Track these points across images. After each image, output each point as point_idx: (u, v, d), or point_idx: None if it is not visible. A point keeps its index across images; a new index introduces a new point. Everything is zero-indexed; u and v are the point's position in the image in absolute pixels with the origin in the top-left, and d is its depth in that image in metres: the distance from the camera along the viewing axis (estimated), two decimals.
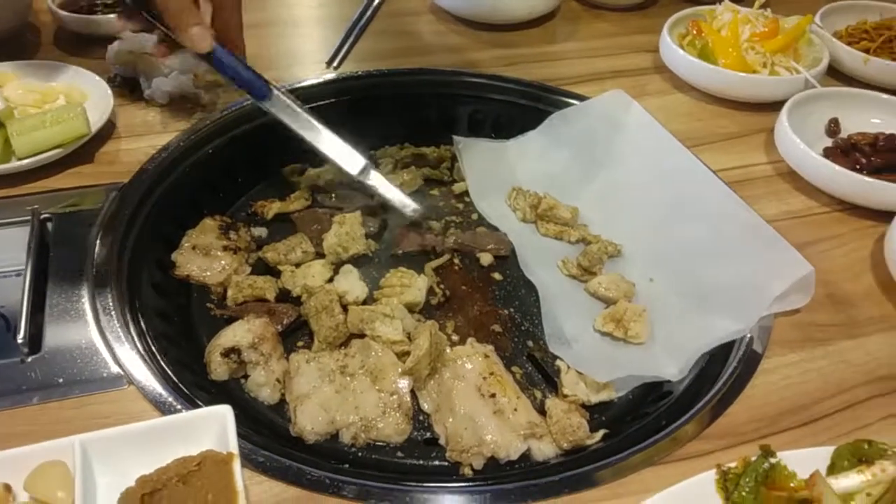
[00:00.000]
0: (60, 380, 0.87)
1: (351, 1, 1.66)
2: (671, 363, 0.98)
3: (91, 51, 1.44)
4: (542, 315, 1.06)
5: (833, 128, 1.32)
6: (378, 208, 1.24)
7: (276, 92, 1.11)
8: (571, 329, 1.04)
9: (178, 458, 0.71)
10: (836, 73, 1.50)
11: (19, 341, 0.90)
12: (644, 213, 1.19)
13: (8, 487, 0.69)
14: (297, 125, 1.12)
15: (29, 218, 1.06)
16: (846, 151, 1.24)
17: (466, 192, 1.29)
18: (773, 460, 0.75)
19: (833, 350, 0.96)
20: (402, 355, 0.97)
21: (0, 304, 1.02)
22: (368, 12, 1.64)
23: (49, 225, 1.07)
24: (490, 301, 1.11)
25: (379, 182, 1.17)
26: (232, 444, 0.72)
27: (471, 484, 0.85)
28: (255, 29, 1.55)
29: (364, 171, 1.15)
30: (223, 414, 0.75)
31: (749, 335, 0.96)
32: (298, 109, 1.12)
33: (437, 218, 1.24)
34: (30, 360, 0.89)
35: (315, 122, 1.13)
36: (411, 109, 1.43)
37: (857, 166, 1.20)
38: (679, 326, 1.03)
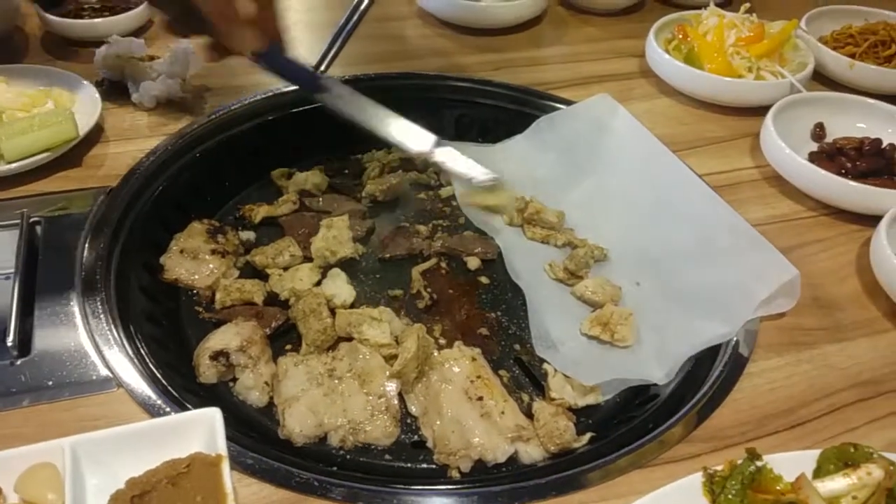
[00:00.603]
0: (50, 382, 0.87)
1: (338, 5, 1.67)
2: (658, 367, 0.98)
3: (79, 55, 1.44)
4: (528, 319, 1.06)
5: (818, 132, 1.33)
6: (366, 212, 1.25)
7: (324, 82, 1.11)
8: (558, 333, 1.05)
9: (168, 460, 0.71)
10: (821, 78, 1.52)
11: (9, 344, 0.90)
12: (630, 216, 1.19)
13: None
14: (352, 111, 1.10)
15: (18, 221, 1.06)
16: (832, 156, 1.25)
17: (453, 196, 1.29)
18: (759, 463, 0.75)
19: (818, 354, 0.96)
20: (390, 358, 0.98)
21: None
22: (355, 17, 1.64)
23: (38, 228, 1.07)
24: (477, 304, 1.12)
25: (447, 156, 1.10)
26: (221, 447, 0.73)
27: (458, 486, 0.85)
28: None
29: (433, 147, 1.10)
30: (212, 416, 0.75)
31: (735, 339, 0.97)
32: (355, 96, 1.11)
33: (424, 222, 1.24)
34: (19, 362, 0.89)
35: (370, 106, 1.10)
36: (398, 114, 1.43)
37: (843, 171, 1.21)
38: (666, 330, 1.04)
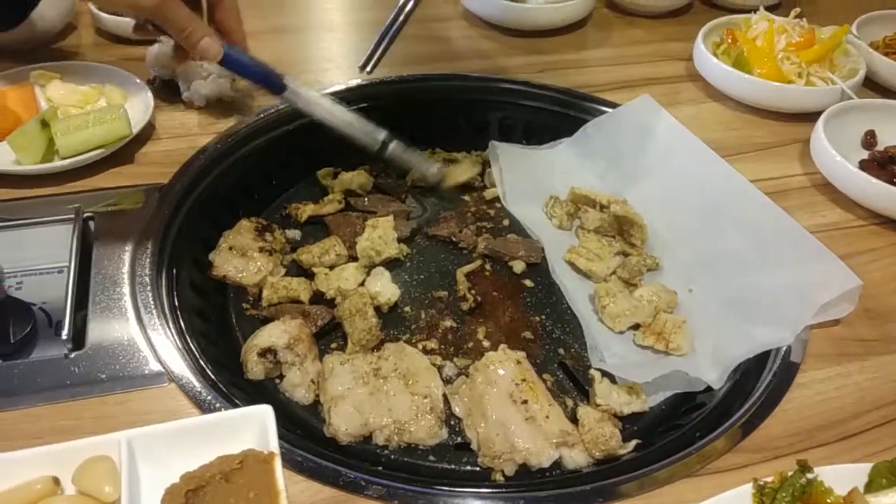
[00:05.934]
0: (103, 376, 0.88)
1: (384, 6, 1.68)
2: (712, 369, 0.97)
3: (130, 53, 1.45)
4: (583, 329, 1.05)
5: (869, 140, 1.31)
6: (410, 212, 1.25)
7: (290, 84, 1.11)
8: (611, 342, 1.04)
9: (221, 455, 0.72)
10: (872, 85, 1.49)
11: (63, 337, 0.91)
12: (681, 223, 1.18)
13: (56, 481, 0.71)
14: (315, 112, 1.14)
15: (72, 216, 1.07)
16: (883, 164, 1.23)
17: (497, 198, 1.29)
18: (810, 476, 0.74)
19: (869, 365, 0.95)
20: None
21: (43, 301, 1.03)
22: (401, 17, 1.65)
23: (91, 223, 1.09)
24: (521, 308, 1.12)
25: (398, 152, 1.18)
26: (273, 444, 0.74)
27: (503, 490, 0.85)
28: (290, 33, 1.58)
29: (384, 144, 1.16)
30: (264, 413, 0.76)
31: (785, 348, 0.96)
32: (315, 96, 1.14)
33: (468, 223, 1.24)
34: (73, 355, 0.90)
35: (332, 105, 1.14)
36: (442, 114, 1.44)
37: (894, 179, 1.19)
38: (721, 335, 1.02)
